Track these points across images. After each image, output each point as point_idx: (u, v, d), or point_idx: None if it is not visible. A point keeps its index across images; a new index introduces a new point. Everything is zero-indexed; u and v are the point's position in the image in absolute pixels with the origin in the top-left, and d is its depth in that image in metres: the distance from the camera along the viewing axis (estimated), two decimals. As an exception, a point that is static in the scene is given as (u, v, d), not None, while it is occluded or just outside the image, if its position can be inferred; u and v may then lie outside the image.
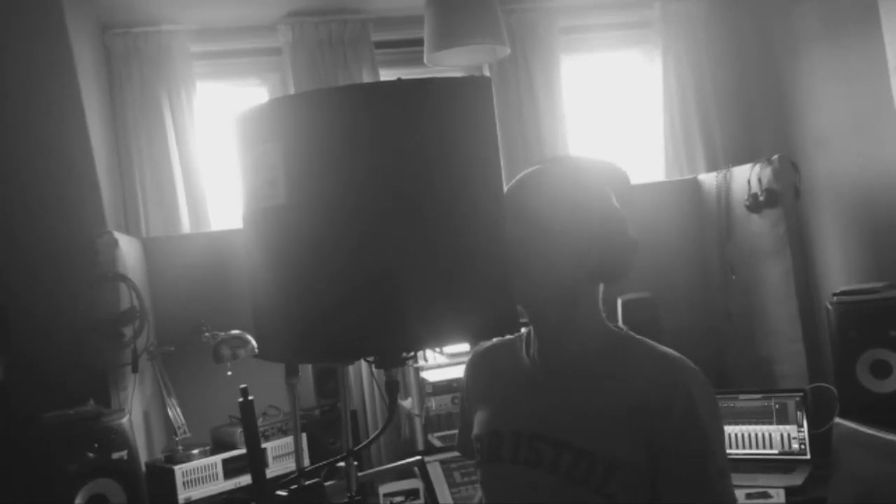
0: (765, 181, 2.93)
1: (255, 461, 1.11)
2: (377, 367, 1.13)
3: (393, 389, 1.16)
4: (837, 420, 2.46)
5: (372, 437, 1.08)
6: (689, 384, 1.25)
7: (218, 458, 2.49)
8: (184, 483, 2.39)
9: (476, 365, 1.55)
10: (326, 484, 1.21)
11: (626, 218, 1.33)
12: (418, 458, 2.31)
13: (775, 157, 2.91)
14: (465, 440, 1.53)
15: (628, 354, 1.33)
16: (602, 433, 1.26)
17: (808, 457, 2.63)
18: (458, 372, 2.78)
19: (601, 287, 1.37)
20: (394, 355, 1.11)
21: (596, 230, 1.30)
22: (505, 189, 1.35)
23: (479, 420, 1.46)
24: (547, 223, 1.29)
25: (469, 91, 1.07)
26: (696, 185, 3.42)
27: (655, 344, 1.34)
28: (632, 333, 1.37)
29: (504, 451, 1.36)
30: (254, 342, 2.57)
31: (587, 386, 1.31)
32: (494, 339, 1.51)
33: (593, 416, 1.28)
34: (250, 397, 1.14)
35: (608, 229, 1.31)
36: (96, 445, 2.19)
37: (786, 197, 2.89)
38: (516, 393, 1.40)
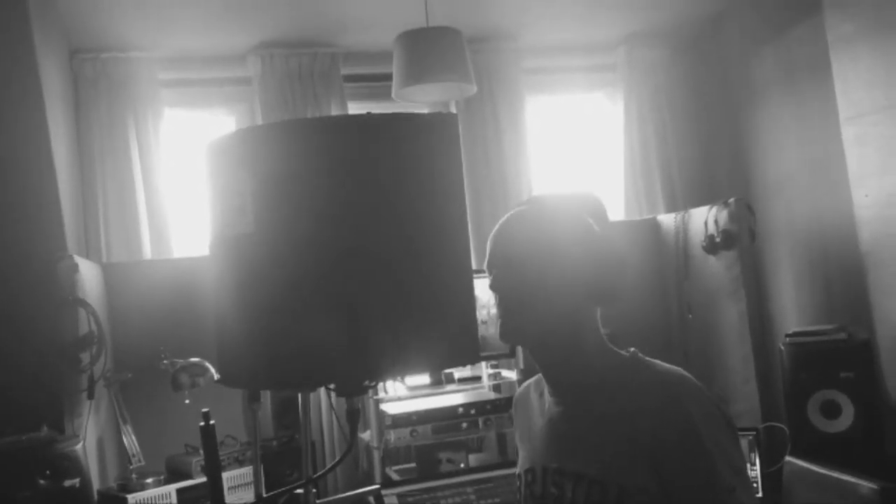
0: (721, 223, 3.01)
1: (214, 486, 1.11)
2: (338, 395, 1.14)
3: (354, 418, 1.17)
4: (788, 459, 2.52)
5: (332, 464, 1.09)
6: (685, 404, 1.26)
7: (172, 488, 2.45)
8: (136, 512, 2.36)
9: (517, 406, 1.59)
10: (284, 511, 1.21)
11: (609, 237, 1.37)
12: (376, 486, 2.31)
13: (732, 199, 2.99)
14: None
15: (629, 381, 1.34)
16: (610, 463, 1.27)
17: (760, 494, 2.66)
18: (417, 405, 2.79)
19: (598, 313, 1.40)
20: (355, 383, 1.12)
21: (581, 254, 1.34)
22: (489, 238, 1.40)
23: (519, 459, 1.51)
24: (533, 262, 1.33)
25: (436, 127, 1.11)
26: (654, 225, 3.49)
27: (659, 365, 1.35)
28: (639, 357, 1.38)
29: (535, 488, 1.40)
30: (213, 370, 2.55)
31: (592, 415, 1.34)
32: (533, 378, 1.54)
33: (601, 446, 1.30)
34: (211, 422, 1.15)
35: (593, 250, 1.34)
36: (48, 472, 2.15)
37: (742, 239, 2.97)
38: (541, 429, 1.44)
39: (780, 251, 3.44)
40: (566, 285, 1.33)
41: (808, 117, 3.23)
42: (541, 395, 1.48)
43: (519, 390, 1.61)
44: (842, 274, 3.09)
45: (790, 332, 2.88)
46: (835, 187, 3.01)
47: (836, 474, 2.29)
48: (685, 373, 1.32)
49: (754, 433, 2.73)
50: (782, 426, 2.77)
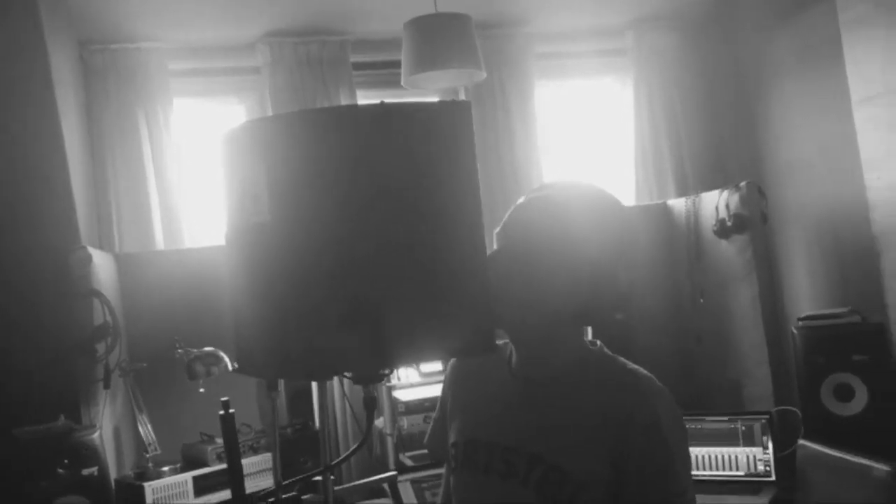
0: (733, 207, 3.00)
1: (235, 474, 1.12)
2: (355, 383, 1.14)
3: (371, 405, 1.17)
4: (802, 442, 2.52)
5: (350, 450, 1.09)
6: (654, 401, 1.28)
7: (188, 476, 2.48)
8: (154, 500, 2.38)
9: (459, 370, 1.55)
10: (303, 498, 1.22)
11: (620, 269, 1.32)
12: (393, 473, 2.33)
13: (743, 183, 2.98)
14: (435, 439, 1.56)
15: (599, 370, 1.35)
16: (573, 449, 1.27)
17: (774, 478, 2.67)
18: (430, 391, 2.81)
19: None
20: (372, 371, 1.13)
21: (587, 275, 1.30)
22: (512, 208, 1.37)
23: (456, 426, 1.48)
24: (542, 253, 1.29)
25: (450, 115, 1.11)
26: (665, 209, 3.49)
27: (626, 361, 1.37)
28: (605, 350, 1.40)
29: (479, 460, 1.38)
30: (227, 359, 2.57)
31: (561, 402, 1.33)
32: None
33: (565, 431, 1.30)
34: (231, 410, 1.16)
35: (599, 277, 1.31)
36: (66, 461, 2.18)
37: (753, 223, 2.96)
38: (496, 404, 1.41)
39: (792, 234, 3.43)
40: (559, 298, 1.31)
41: (820, 100, 3.21)
42: (494, 366, 1.44)
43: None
44: (854, 257, 3.08)
45: (803, 315, 2.88)
46: (847, 170, 3.00)
47: (849, 457, 2.30)
48: (652, 375, 1.33)
49: (767, 417, 2.73)
50: (795, 410, 2.78)
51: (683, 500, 1.26)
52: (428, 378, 2.89)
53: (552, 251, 1.30)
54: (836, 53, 2.93)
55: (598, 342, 1.41)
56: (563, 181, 1.41)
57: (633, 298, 1.35)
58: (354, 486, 2.25)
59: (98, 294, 2.49)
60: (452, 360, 1.58)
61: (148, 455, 2.52)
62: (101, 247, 3.04)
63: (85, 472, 2.20)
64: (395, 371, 2.76)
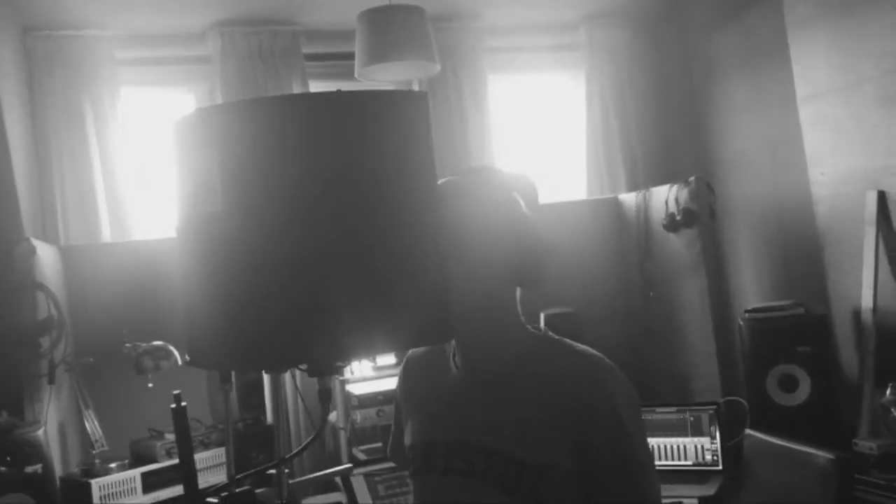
0: (682, 201, 3.05)
1: (188, 468, 1.10)
2: (310, 375, 1.13)
3: (325, 398, 1.16)
4: (748, 432, 2.58)
5: (305, 442, 1.08)
6: (608, 381, 1.29)
7: (136, 472, 2.43)
8: (101, 497, 2.33)
9: (409, 372, 1.55)
10: (256, 492, 1.20)
11: (537, 223, 1.36)
12: (349, 466, 2.31)
13: (692, 178, 3.03)
14: (397, 448, 1.54)
15: (548, 356, 1.35)
16: (529, 439, 1.28)
17: (721, 468, 2.73)
18: (383, 385, 2.80)
19: (518, 293, 1.39)
20: (327, 364, 1.12)
21: (509, 234, 1.33)
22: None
23: (411, 429, 1.47)
24: (461, 233, 1.30)
25: (407, 104, 1.10)
26: (616, 204, 3.52)
27: (574, 343, 1.37)
28: (551, 334, 1.39)
29: (436, 461, 1.37)
30: (176, 354, 2.53)
31: (511, 391, 1.33)
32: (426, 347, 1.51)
33: (519, 421, 1.30)
34: (183, 403, 1.14)
35: (521, 233, 1.33)
36: (9, 459, 2.13)
37: (702, 217, 3.01)
38: (447, 401, 1.40)
39: (739, 229, 3.50)
40: (490, 265, 1.32)
41: (767, 97, 3.28)
42: (442, 365, 1.44)
43: (411, 357, 1.56)
44: (799, 251, 3.15)
45: (749, 307, 2.94)
46: (792, 166, 3.07)
47: (793, 446, 2.35)
48: (601, 354, 1.34)
49: (715, 407, 2.78)
50: (742, 400, 2.83)
51: (645, 475, 1.28)
52: (381, 372, 2.88)
53: (477, 222, 1.31)
54: (781, 52, 3.00)
55: (543, 327, 1.41)
56: (466, 169, 1.45)
57: (554, 251, 1.37)
58: (308, 479, 2.23)
59: (42, 287, 2.43)
60: (403, 364, 1.58)
61: (95, 451, 2.47)
62: (45, 239, 2.96)
63: (28, 469, 2.15)
64: (349, 364, 2.75)
